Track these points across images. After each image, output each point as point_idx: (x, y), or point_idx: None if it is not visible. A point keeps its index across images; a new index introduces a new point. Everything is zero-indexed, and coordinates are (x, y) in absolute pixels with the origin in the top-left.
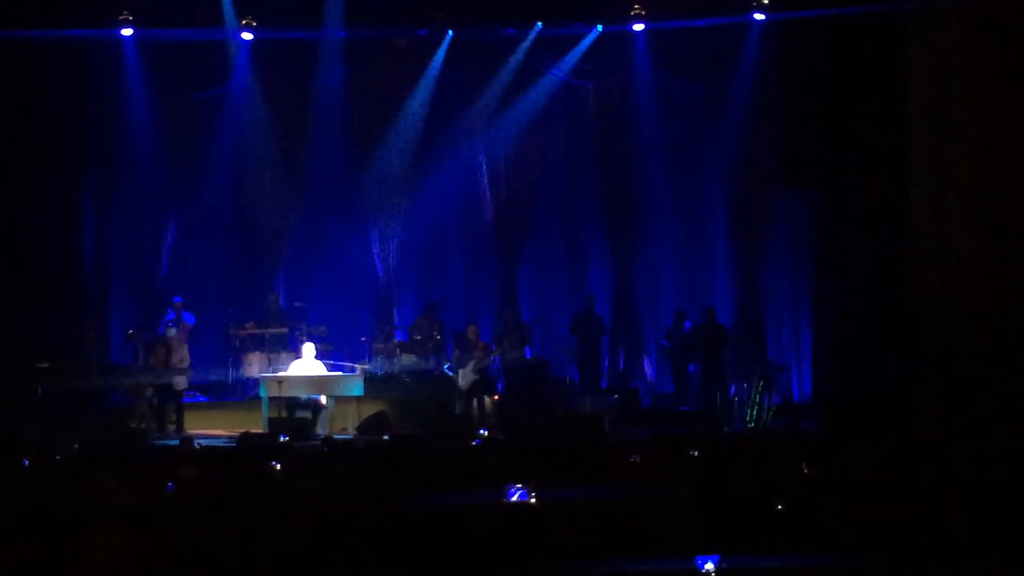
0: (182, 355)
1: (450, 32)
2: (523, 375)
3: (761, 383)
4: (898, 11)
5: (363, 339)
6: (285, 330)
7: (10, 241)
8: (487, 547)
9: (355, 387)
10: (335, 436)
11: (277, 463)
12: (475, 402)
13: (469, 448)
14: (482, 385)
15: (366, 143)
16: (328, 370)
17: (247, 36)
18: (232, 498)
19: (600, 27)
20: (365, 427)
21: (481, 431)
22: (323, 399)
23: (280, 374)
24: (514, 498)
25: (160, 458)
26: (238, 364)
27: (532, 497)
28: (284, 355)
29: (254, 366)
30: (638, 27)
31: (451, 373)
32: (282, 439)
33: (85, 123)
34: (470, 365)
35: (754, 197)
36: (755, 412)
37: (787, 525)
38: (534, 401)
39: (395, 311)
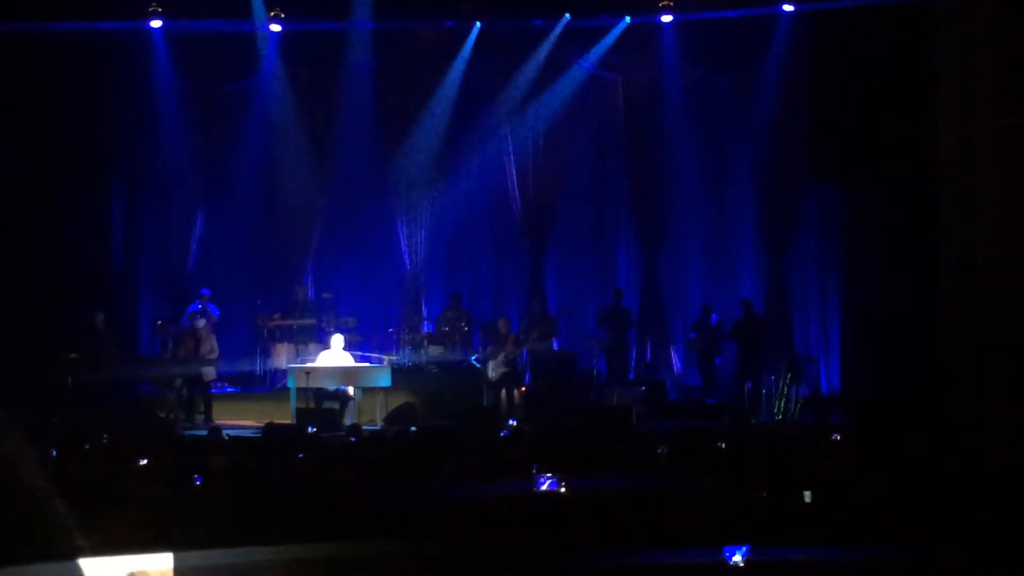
0: (211, 346)
1: (478, 23)
2: (551, 367)
3: (789, 375)
4: (928, 2)
5: (391, 330)
6: (313, 321)
7: (40, 232)
8: (513, 537)
9: (383, 378)
10: (363, 427)
11: (303, 454)
12: (503, 394)
13: (497, 439)
14: (511, 377)
15: (394, 135)
16: (356, 361)
17: (275, 28)
18: (259, 488)
19: (628, 19)
20: (392, 418)
21: (510, 421)
22: (351, 390)
23: (308, 365)
24: (544, 487)
25: (189, 448)
26: (266, 355)
27: (562, 487)
28: (312, 346)
29: (282, 357)
30: (666, 19)
31: (478, 365)
32: (310, 430)
33: (114, 114)
34: (500, 357)
35: (782, 189)
36: (783, 405)
37: (815, 517)
38: (562, 393)
39: (423, 302)
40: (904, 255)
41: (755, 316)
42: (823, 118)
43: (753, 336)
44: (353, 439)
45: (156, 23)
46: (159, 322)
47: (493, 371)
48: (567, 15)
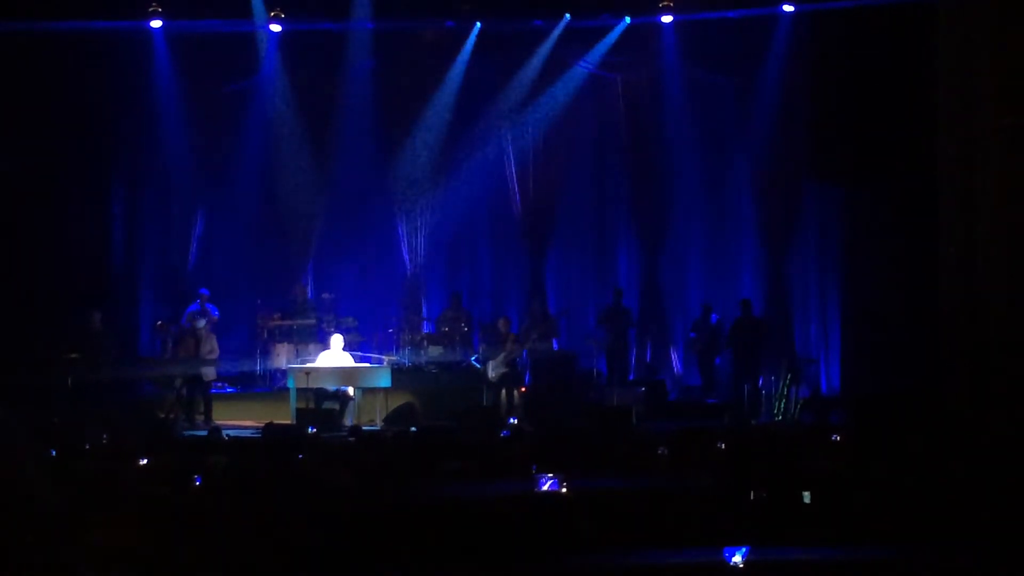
0: (211, 346)
1: (478, 24)
2: (551, 367)
3: (789, 376)
4: (928, 3)
5: (391, 331)
6: (313, 321)
7: (40, 232)
8: (513, 537)
9: (383, 378)
10: (362, 427)
11: (304, 454)
12: (503, 394)
13: (497, 439)
14: (510, 377)
15: (394, 135)
16: (356, 361)
17: (276, 28)
18: (259, 489)
19: (628, 19)
20: (392, 418)
21: (511, 420)
22: (351, 390)
23: (308, 365)
24: (545, 487)
25: (188, 449)
26: (266, 355)
27: (563, 486)
28: (312, 346)
29: (282, 357)
30: (666, 19)
31: (478, 365)
32: (310, 430)
33: (114, 114)
34: (500, 357)
35: (782, 189)
36: (783, 405)
37: (815, 518)
38: (562, 393)
39: (423, 303)
40: (904, 255)
41: (753, 316)
42: (823, 118)
43: (751, 336)
44: (353, 439)
45: (156, 23)
46: (159, 322)
47: (493, 371)
48: (567, 15)
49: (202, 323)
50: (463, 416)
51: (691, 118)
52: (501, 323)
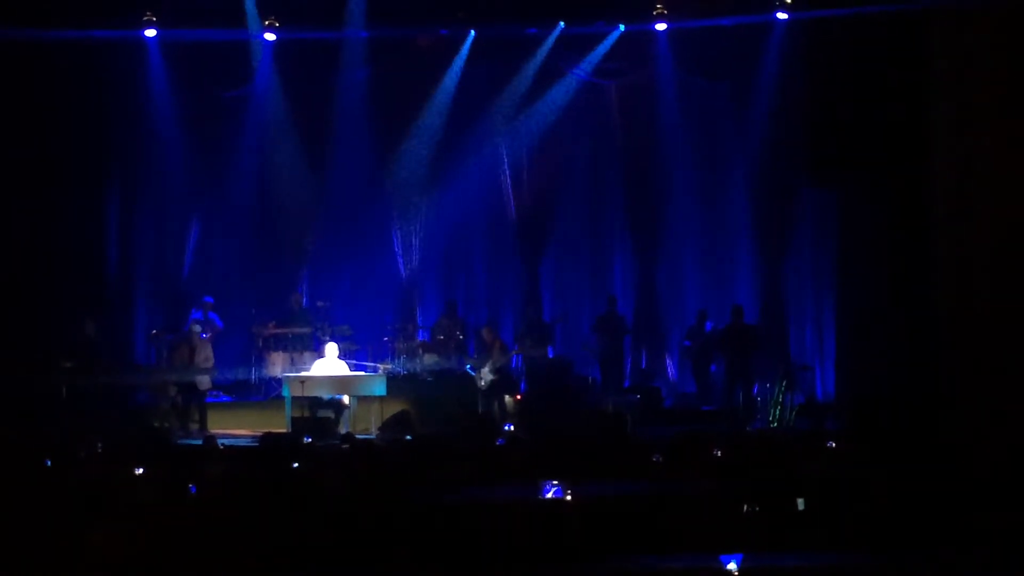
0: (206, 354)
1: (472, 31)
2: (546, 374)
3: (784, 382)
4: (923, 9)
5: (386, 339)
6: (308, 330)
7: (35, 240)
8: (508, 542)
9: (378, 387)
10: (357, 435)
11: (299, 463)
12: (496, 402)
13: (492, 447)
14: (502, 385)
15: (389, 143)
16: (351, 370)
17: (270, 37)
18: (255, 497)
19: (622, 26)
20: (387, 426)
21: (507, 426)
22: (346, 399)
23: (303, 374)
24: (549, 494)
25: (184, 457)
26: (261, 364)
27: (568, 494)
28: (307, 355)
29: (277, 366)
30: (661, 26)
31: (472, 372)
32: (305, 440)
33: (109, 123)
34: (487, 366)
35: (778, 196)
36: (778, 411)
37: (809, 524)
38: (557, 400)
39: (418, 311)
40: (900, 261)
41: (744, 322)
42: (818, 123)
43: (742, 342)
44: (348, 447)
45: (151, 32)
46: (153, 331)
47: (483, 380)
48: (561, 23)
49: (197, 330)
50: (458, 424)
51: (686, 125)
52: (484, 332)
